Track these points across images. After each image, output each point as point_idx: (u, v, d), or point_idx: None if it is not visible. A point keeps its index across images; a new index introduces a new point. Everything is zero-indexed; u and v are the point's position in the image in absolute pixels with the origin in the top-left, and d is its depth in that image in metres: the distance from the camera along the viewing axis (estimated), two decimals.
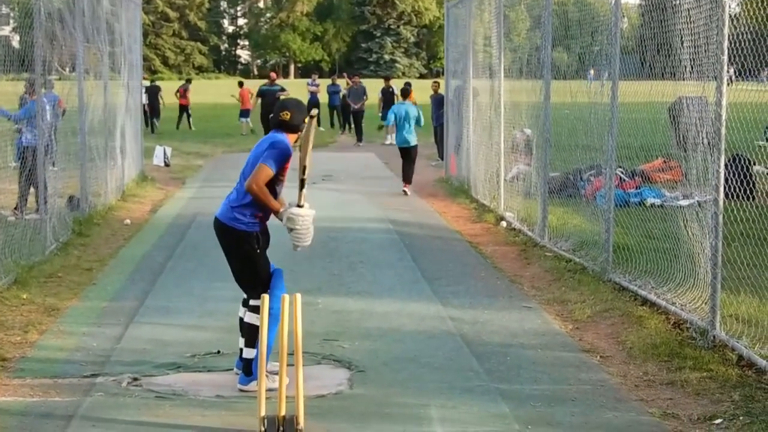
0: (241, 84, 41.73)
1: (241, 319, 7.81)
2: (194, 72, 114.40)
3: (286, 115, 7.70)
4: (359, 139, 35.40)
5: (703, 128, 9.14)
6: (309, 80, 42.85)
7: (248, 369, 7.60)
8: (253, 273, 7.70)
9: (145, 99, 35.22)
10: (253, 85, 38.20)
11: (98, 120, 17.17)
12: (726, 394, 7.40)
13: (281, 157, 7.54)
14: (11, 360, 8.33)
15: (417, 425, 6.88)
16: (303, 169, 7.51)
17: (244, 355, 7.68)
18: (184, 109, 40.96)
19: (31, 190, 14.57)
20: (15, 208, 14.85)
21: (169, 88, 42.72)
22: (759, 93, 10.63)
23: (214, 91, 43.57)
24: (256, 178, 7.45)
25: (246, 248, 7.64)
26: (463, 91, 20.96)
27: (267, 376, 6.99)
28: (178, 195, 20.14)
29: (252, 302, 7.59)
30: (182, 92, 41.04)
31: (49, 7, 13.79)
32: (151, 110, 38.95)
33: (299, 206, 7.61)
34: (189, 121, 40.74)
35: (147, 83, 40.05)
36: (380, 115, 36.05)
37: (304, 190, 7.62)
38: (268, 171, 7.47)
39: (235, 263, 7.78)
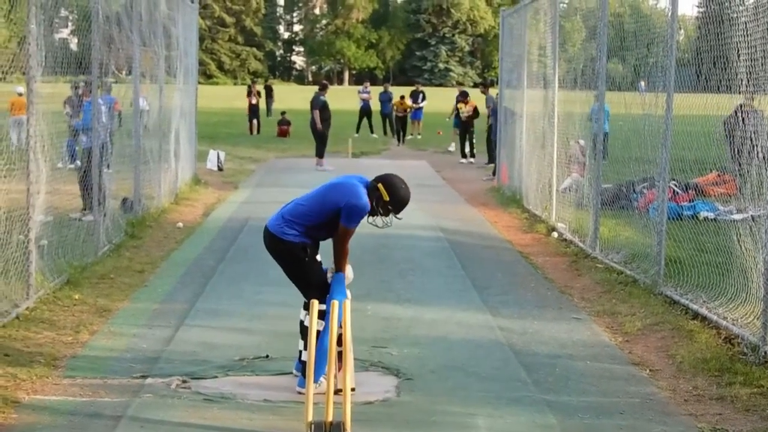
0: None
1: (302, 322, 7.82)
2: (249, 77, 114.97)
3: (384, 191, 7.57)
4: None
5: (758, 142, 9.06)
6: (361, 87, 43.03)
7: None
8: (305, 279, 7.73)
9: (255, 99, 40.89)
10: (308, 91, 38.23)
11: (153, 123, 17.32)
12: None
13: (359, 217, 7.57)
14: (62, 359, 8.41)
15: None
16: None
17: (303, 358, 7.68)
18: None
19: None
20: (83, 209, 14.74)
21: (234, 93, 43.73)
22: None
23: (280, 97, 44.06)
24: (344, 242, 7.61)
25: (294, 257, 7.67)
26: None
27: (322, 382, 7.04)
28: (230, 199, 20.24)
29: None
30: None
31: (107, 10, 13.92)
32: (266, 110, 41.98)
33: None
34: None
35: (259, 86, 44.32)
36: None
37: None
38: (351, 232, 7.62)
39: (286, 271, 7.82)
